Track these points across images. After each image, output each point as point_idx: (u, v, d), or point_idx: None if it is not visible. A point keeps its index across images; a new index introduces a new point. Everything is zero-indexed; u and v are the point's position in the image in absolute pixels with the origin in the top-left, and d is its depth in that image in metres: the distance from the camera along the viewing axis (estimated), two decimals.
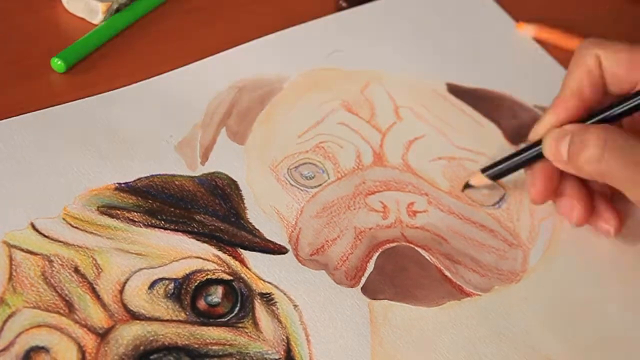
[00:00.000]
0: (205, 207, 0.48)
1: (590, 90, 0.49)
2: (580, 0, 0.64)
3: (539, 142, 0.49)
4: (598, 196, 0.50)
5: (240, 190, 0.49)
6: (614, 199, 0.50)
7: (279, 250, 0.47)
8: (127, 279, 0.44)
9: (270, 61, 0.57)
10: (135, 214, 0.47)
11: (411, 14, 0.63)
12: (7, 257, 0.44)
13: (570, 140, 0.47)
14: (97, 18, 0.58)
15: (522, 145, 0.51)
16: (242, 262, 0.46)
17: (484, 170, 0.51)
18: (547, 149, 0.48)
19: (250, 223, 0.48)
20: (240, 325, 0.43)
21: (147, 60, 0.56)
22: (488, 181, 0.51)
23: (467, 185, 0.51)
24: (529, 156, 0.50)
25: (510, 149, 0.54)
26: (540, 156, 0.49)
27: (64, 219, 0.46)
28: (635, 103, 0.47)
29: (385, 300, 0.45)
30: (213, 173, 0.50)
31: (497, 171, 0.51)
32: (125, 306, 0.43)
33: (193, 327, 0.42)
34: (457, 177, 0.52)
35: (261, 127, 0.53)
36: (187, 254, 0.45)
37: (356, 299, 0.45)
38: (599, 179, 0.47)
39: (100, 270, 0.44)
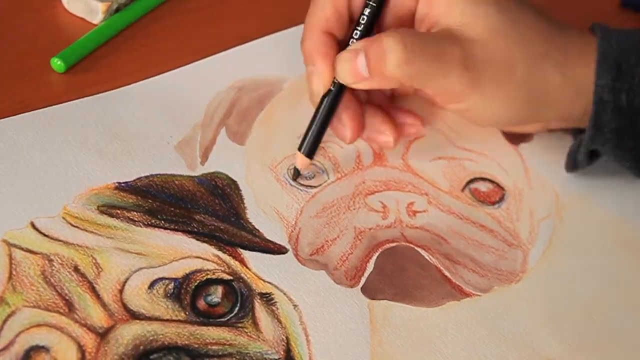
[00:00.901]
0: (205, 207, 0.48)
1: (336, 19, 0.49)
2: (572, 4, 0.64)
3: (325, 95, 0.49)
4: (373, 110, 0.51)
5: (240, 190, 0.49)
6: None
7: (278, 250, 0.47)
8: (127, 279, 0.44)
9: (270, 61, 0.57)
10: (135, 213, 0.47)
11: None
12: (7, 256, 0.44)
13: (367, 55, 0.46)
14: (97, 18, 0.58)
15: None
16: (242, 262, 0.46)
17: (300, 148, 0.50)
18: (345, 73, 0.47)
19: (250, 223, 0.48)
20: (240, 325, 0.43)
21: (147, 60, 0.56)
22: (309, 161, 0.50)
23: (296, 174, 0.50)
24: (328, 106, 0.49)
25: (510, 149, 0.54)
26: (337, 101, 0.49)
27: (63, 218, 0.46)
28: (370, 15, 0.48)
29: (385, 301, 0.45)
30: (213, 173, 0.50)
31: (309, 142, 0.49)
32: (125, 306, 0.43)
33: (193, 327, 0.42)
34: (457, 177, 0.52)
35: (261, 127, 0.53)
36: (187, 253, 0.45)
37: (356, 299, 0.45)
38: (408, 82, 0.47)
39: (100, 269, 0.44)
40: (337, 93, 0.49)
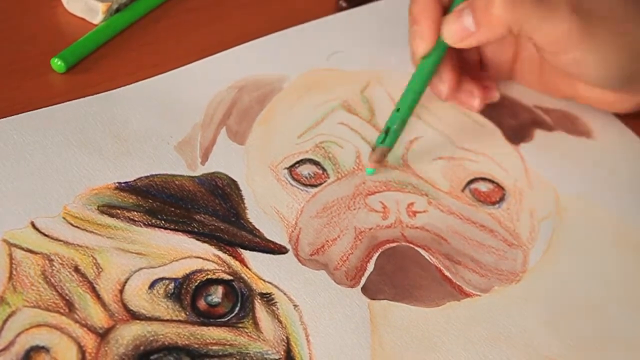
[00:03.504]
0: (205, 206, 0.48)
1: None
2: None
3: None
4: (465, 73, 0.54)
5: (240, 190, 0.49)
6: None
7: (279, 250, 0.47)
8: (127, 279, 0.44)
9: (270, 61, 0.57)
10: (136, 213, 0.47)
11: None
12: (7, 255, 0.44)
13: (473, 7, 0.49)
14: (97, 18, 0.58)
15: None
16: (242, 262, 0.46)
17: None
18: (452, 32, 0.50)
19: (251, 223, 0.48)
20: (240, 325, 0.43)
21: (147, 60, 0.56)
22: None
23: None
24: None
25: (510, 149, 0.54)
26: (438, 61, 0.52)
27: (64, 218, 0.46)
28: None
29: (385, 301, 0.45)
30: (213, 173, 0.50)
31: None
32: (125, 306, 0.43)
33: (193, 327, 0.42)
34: (457, 177, 0.52)
35: (261, 127, 0.53)
36: (187, 253, 0.45)
37: (356, 299, 0.45)
38: (515, 27, 0.49)
39: (100, 269, 0.44)
40: (440, 54, 0.52)
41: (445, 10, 0.52)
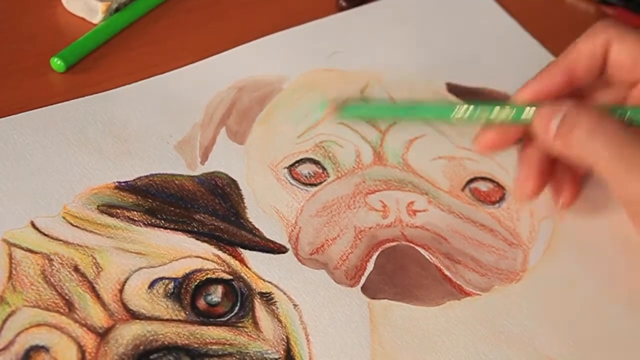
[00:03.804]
0: (205, 206, 0.48)
1: (585, 70, 0.47)
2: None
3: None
4: (563, 166, 0.49)
5: (240, 190, 0.49)
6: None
7: (278, 249, 0.47)
8: (127, 278, 0.44)
9: (270, 61, 0.57)
10: (135, 213, 0.47)
11: (411, 14, 0.63)
12: (7, 255, 0.44)
13: (562, 117, 0.44)
14: (97, 17, 0.58)
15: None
16: (242, 261, 0.46)
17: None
18: (538, 119, 0.45)
19: (250, 222, 0.48)
20: (240, 324, 0.43)
21: (147, 60, 0.56)
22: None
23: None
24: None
25: (510, 149, 0.54)
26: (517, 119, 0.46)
27: (63, 217, 0.46)
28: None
29: (385, 300, 0.45)
30: (213, 172, 0.50)
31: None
32: (125, 305, 0.43)
33: (193, 327, 0.42)
34: (457, 176, 0.52)
35: (261, 127, 0.53)
36: (187, 253, 0.45)
37: (356, 299, 0.45)
38: (590, 165, 0.44)
39: (100, 269, 0.44)
40: (511, 117, 0.46)
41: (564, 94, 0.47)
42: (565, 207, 0.50)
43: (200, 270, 0.45)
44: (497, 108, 0.46)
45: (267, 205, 0.49)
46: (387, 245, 0.48)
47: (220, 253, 0.46)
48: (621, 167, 0.43)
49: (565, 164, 0.48)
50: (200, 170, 0.50)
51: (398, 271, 0.47)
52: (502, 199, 0.51)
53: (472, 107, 0.46)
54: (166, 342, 0.42)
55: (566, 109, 0.44)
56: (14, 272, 0.43)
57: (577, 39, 0.47)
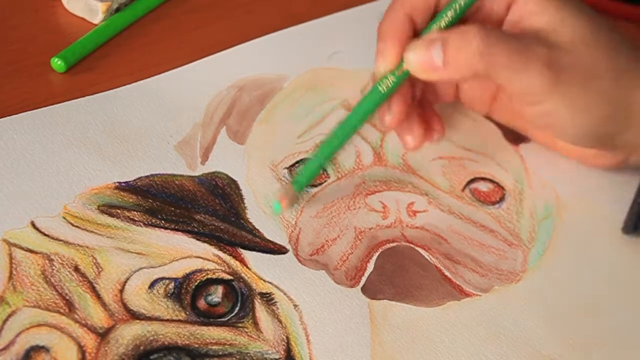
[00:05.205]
0: (205, 206, 0.48)
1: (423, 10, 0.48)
2: None
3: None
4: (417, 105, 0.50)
5: (240, 190, 0.49)
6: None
7: (279, 250, 0.47)
8: (127, 279, 0.44)
9: (270, 61, 0.57)
10: (136, 213, 0.47)
11: None
12: (7, 255, 0.44)
13: (446, 43, 0.45)
14: (97, 18, 0.58)
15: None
16: (242, 261, 0.46)
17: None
18: (415, 62, 0.46)
19: (250, 223, 0.48)
20: (240, 325, 0.43)
21: (147, 60, 0.56)
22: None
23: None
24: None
25: (510, 149, 0.54)
26: (396, 87, 0.47)
27: (64, 217, 0.46)
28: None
29: (385, 301, 0.45)
30: (213, 173, 0.50)
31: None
32: (125, 306, 0.43)
33: (193, 327, 0.42)
34: (457, 177, 0.52)
35: (261, 127, 0.53)
36: (187, 253, 0.45)
37: (356, 299, 0.45)
38: (486, 73, 0.45)
39: (100, 269, 0.44)
40: (399, 80, 0.47)
41: (416, 33, 0.48)
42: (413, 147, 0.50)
43: (200, 271, 0.45)
44: (382, 80, 0.47)
45: (267, 205, 0.49)
46: (387, 246, 0.48)
47: (220, 253, 0.46)
48: (519, 63, 0.45)
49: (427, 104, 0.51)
50: (200, 170, 0.50)
51: (398, 272, 0.47)
52: (502, 199, 0.51)
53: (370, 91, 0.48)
54: (166, 343, 0.42)
55: (441, 35, 0.46)
56: (14, 272, 0.43)
57: None
